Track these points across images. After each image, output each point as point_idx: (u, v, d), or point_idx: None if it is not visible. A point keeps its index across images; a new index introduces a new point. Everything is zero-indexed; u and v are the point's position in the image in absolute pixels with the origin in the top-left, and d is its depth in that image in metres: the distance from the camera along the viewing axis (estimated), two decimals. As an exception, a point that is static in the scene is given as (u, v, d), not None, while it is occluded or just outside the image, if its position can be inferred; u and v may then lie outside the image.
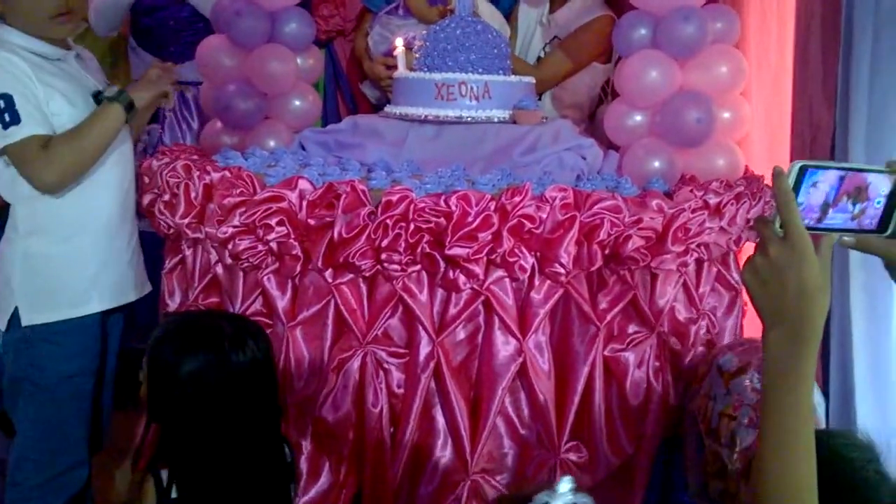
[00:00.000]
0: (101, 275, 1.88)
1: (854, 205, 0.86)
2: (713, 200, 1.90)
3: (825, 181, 0.84)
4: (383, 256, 1.76)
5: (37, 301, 1.81)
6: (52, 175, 1.77)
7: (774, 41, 2.21)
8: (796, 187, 0.83)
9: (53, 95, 1.79)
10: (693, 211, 1.85)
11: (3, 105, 1.72)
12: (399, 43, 2.42)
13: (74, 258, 1.85)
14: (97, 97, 1.87)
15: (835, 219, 0.86)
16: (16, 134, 1.73)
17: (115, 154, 1.91)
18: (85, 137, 1.80)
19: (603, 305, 1.84)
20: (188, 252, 2.08)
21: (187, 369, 1.43)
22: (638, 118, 2.15)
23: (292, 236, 1.82)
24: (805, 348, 0.82)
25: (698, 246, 1.88)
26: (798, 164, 0.83)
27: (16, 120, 1.72)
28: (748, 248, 2.22)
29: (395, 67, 2.43)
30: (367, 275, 1.81)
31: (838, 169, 0.85)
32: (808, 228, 0.83)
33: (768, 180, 2.16)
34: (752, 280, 0.84)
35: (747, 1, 2.29)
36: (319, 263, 1.81)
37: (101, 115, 1.83)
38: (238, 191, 1.89)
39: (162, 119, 2.85)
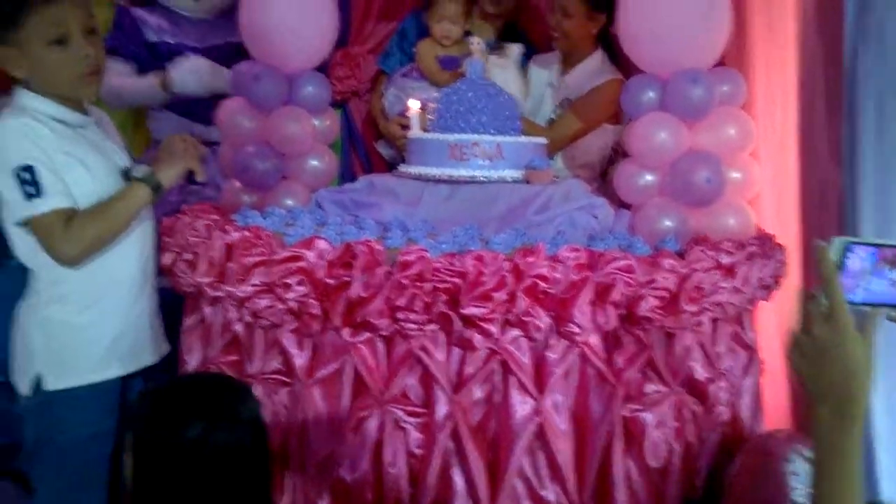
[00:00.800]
0: (121, 340, 1.90)
1: (893, 272, 0.87)
2: (726, 260, 1.93)
3: (866, 252, 0.86)
4: (400, 315, 1.79)
5: (59, 367, 1.82)
6: (74, 250, 1.76)
7: (779, 103, 2.26)
8: (838, 263, 0.84)
9: (74, 165, 1.78)
10: (706, 271, 1.87)
11: (26, 177, 1.71)
12: (413, 104, 2.48)
13: (96, 325, 1.86)
14: (126, 174, 1.88)
15: (876, 287, 0.86)
16: (39, 206, 1.72)
17: (137, 226, 1.92)
18: (110, 217, 1.80)
19: (619, 365, 1.85)
20: (208, 310, 2.11)
21: (190, 435, 1.28)
22: (648, 178, 2.20)
23: (312, 295, 1.85)
24: (852, 425, 0.85)
25: (713, 305, 1.90)
26: (842, 241, 0.85)
27: (39, 192, 1.71)
28: (763, 308, 2.25)
29: (409, 127, 2.50)
30: (385, 334, 1.84)
31: (882, 246, 0.86)
32: (852, 304, 0.84)
33: (780, 239, 2.20)
34: (796, 358, 0.87)
35: (752, 65, 2.34)
36: (338, 322, 1.84)
37: (128, 195, 1.83)
38: (258, 250, 1.93)
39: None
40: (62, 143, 1.78)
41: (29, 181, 1.71)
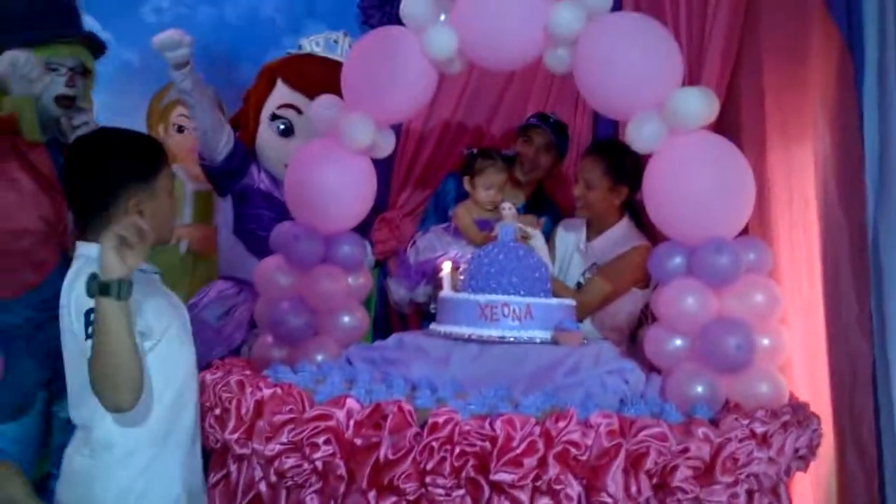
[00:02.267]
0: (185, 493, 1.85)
1: None
2: (760, 430, 1.90)
3: None
4: (428, 480, 1.76)
5: None
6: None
7: (805, 272, 2.29)
8: None
9: (144, 312, 1.74)
10: (740, 440, 1.84)
11: (92, 318, 1.62)
12: (446, 265, 2.55)
13: (160, 477, 1.82)
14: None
15: None
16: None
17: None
18: (100, 351, 1.65)
19: (653, 537, 1.79)
20: (233, 467, 2.09)
21: None
22: (678, 342, 2.20)
23: (338, 455, 1.84)
24: None
25: (748, 476, 1.85)
26: None
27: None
28: (798, 479, 2.18)
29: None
30: (411, 498, 1.80)
31: None
32: None
33: (813, 407, 2.17)
34: None
35: (776, 235, 2.40)
36: (363, 485, 1.81)
37: (97, 318, 1.63)
38: (288, 408, 1.94)
39: None
40: (137, 289, 1.70)
41: (93, 322, 1.64)
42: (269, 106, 3.06)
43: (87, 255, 1.82)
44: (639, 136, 2.21)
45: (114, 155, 1.84)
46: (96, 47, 2.65)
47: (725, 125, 2.45)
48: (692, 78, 2.46)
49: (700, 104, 2.15)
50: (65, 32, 2.51)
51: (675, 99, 2.15)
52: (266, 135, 3.07)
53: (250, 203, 3.06)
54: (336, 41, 3.07)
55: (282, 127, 3.04)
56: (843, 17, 2.18)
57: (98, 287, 1.58)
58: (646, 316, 2.73)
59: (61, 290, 1.78)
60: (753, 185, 2.18)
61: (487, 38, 2.37)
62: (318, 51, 3.07)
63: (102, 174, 1.82)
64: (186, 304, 3.10)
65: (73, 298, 1.73)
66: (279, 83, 3.05)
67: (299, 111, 3.01)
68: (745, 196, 2.19)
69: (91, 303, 1.68)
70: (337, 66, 2.96)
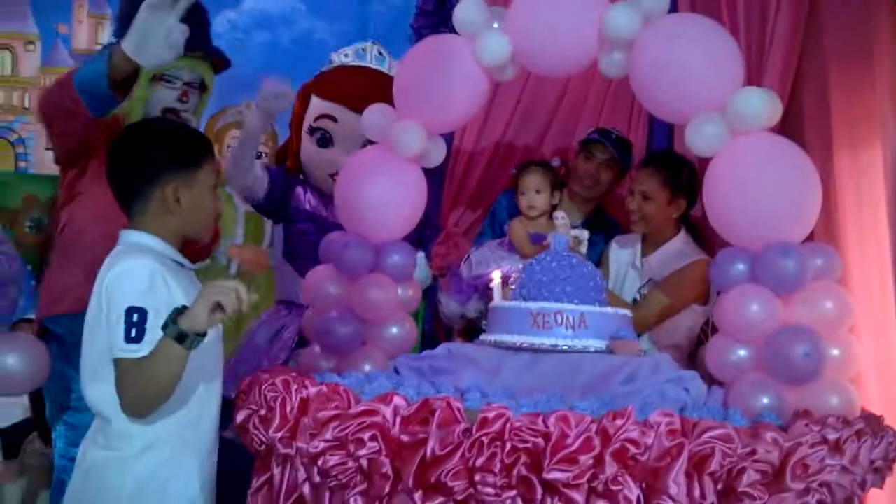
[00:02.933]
0: (202, 493, 1.85)
1: None
2: (832, 436, 1.77)
3: None
4: (477, 478, 1.68)
5: None
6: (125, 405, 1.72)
7: (876, 279, 2.18)
8: None
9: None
10: (812, 446, 1.72)
11: (135, 318, 1.67)
12: (496, 275, 2.49)
13: (179, 473, 1.81)
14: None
15: None
16: (133, 352, 1.68)
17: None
18: (148, 375, 1.69)
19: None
20: (276, 470, 2.03)
21: None
22: (742, 353, 2.10)
23: (384, 453, 1.77)
24: None
25: (820, 486, 1.73)
26: None
27: (139, 338, 1.67)
28: (874, 495, 2.03)
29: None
30: (459, 498, 1.72)
31: None
32: None
33: (888, 422, 2.03)
34: None
35: (845, 241, 2.30)
36: (410, 483, 1.73)
37: (159, 352, 1.67)
38: (333, 404, 1.89)
39: None
40: (176, 284, 1.77)
41: (136, 323, 1.68)
42: (307, 121, 3.09)
43: (130, 242, 1.84)
44: (699, 137, 2.15)
45: (154, 140, 1.87)
46: (219, 62, 2.67)
47: (789, 128, 2.37)
48: (753, 81, 2.39)
49: (763, 104, 2.08)
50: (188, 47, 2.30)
51: (736, 99, 2.09)
52: (307, 149, 3.10)
53: (296, 224, 3.08)
54: (364, 49, 3.10)
55: (320, 137, 3.05)
56: (912, 10, 2.11)
57: (176, 333, 1.62)
58: (706, 334, 2.62)
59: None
60: (820, 186, 2.09)
61: (541, 44, 2.35)
62: (348, 61, 3.10)
63: (141, 159, 1.84)
64: (243, 330, 3.15)
65: (111, 285, 1.74)
66: (313, 97, 3.08)
67: (335, 120, 3.03)
68: (812, 198, 2.09)
69: (136, 301, 1.71)
70: (367, 72, 3.03)
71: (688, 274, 2.60)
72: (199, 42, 2.52)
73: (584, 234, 2.53)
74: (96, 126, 2.27)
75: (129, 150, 1.87)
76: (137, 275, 1.74)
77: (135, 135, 1.93)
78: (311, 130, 3.07)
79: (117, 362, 1.73)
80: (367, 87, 2.94)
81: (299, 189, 3.09)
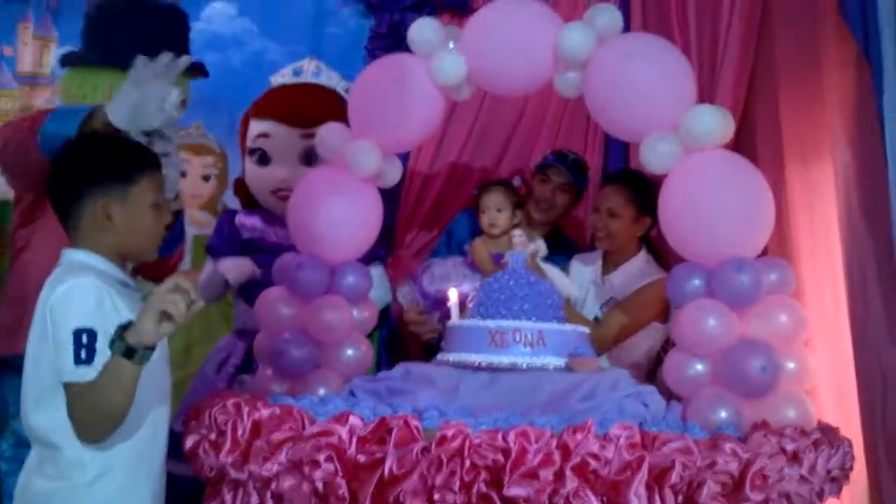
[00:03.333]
0: None
1: None
2: (790, 446, 1.78)
3: None
4: (436, 496, 1.64)
5: None
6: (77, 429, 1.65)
7: (829, 293, 2.21)
8: None
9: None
10: (770, 456, 1.72)
11: (84, 340, 1.61)
12: (453, 294, 2.47)
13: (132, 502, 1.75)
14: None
15: None
16: (82, 375, 1.61)
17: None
18: (99, 394, 1.62)
19: (681, 556, 1.65)
20: (228, 496, 1.95)
21: None
22: (699, 367, 2.10)
23: (340, 474, 1.72)
24: None
25: (779, 496, 1.72)
26: None
27: (89, 360, 1.60)
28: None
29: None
30: (418, 519, 1.67)
31: None
32: None
33: (843, 433, 2.05)
34: None
35: (798, 255, 2.33)
36: (367, 504, 1.68)
37: (110, 369, 1.61)
38: (287, 426, 1.83)
39: None
40: (123, 304, 1.71)
41: (85, 345, 1.61)
42: (248, 145, 3.05)
43: (72, 260, 1.77)
44: (653, 155, 2.16)
45: (85, 155, 1.81)
46: (196, 72, 2.60)
47: (742, 144, 2.41)
48: (706, 98, 2.43)
49: (715, 121, 2.11)
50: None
51: (689, 117, 2.11)
52: (250, 171, 3.04)
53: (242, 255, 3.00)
54: (301, 67, 3.07)
55: (258, 157, 2.99)
56: (858, 25, 2.15)
57: (124, 349, 1.56)
58: (665, 353, 2.63)
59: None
60: (773, 202, 2.12)
61: (497, 63, 2.36)
62: (285, 81, 3.07)
63: (73, 174, 1.78)
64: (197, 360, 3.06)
65: (55, 306, 1.66)
66: (251, 122, 3.04)
67: (268, 136, 2.97)
68: (765, 214, 2.12)
69: (84, 321, 1.63)
70: (300, 87, 3.00)
71: (647, 293, 2.61)
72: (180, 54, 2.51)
73: (541, 244, 2.53)
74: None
75: (63, 166, 1.81)
76: (83, 294, 1.67)
77: (70, 150, 1.86)
78: (251, 152, 3.02)
79: (68, 387, 1.64)
80: (299, 100, 2.92)
81: (240, 217, 3.01)
